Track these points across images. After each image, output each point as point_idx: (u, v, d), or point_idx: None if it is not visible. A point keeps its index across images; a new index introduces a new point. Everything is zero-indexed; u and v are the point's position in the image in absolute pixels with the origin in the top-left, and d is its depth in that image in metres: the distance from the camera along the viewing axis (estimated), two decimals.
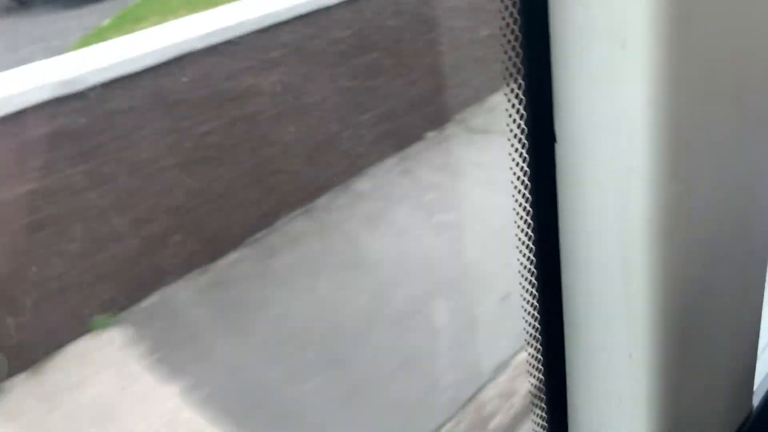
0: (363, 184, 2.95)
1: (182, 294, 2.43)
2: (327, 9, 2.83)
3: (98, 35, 4.71)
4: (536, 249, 0.60)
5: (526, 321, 0.63)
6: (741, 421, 0.82)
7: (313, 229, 2.72)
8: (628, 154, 0.50)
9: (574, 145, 0.54)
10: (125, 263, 2.37)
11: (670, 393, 0.62)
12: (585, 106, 0.52)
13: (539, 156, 0.55)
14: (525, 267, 0.60)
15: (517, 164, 0.55)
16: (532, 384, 0.67)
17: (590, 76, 0.50)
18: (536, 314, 0.63)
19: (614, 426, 0.65)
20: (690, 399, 0.67)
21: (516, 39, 0.51)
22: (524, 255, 0.60)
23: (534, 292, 0.62)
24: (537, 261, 0.60)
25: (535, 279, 0.61)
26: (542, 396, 0.68)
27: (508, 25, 0.50)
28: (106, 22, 5.26)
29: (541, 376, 0.67)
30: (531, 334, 0.64)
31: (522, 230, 0.58)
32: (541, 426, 0.70)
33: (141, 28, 2.75)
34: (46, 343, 2.23)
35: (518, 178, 0.56)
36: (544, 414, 0.69)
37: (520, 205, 0.57)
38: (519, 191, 0.57)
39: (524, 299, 0.62)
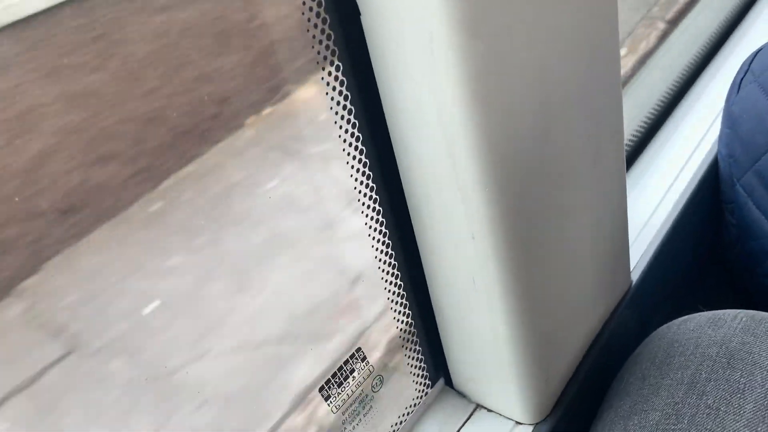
0: None
1: None
2: None
3: None
4: (366, 143, 0.56)
5: (371, 218, 0.60)
6: (622, 295, 0.82)
7: None
8: (429, 20, 0.46)
9: (379, 18, 0.49)
10: None
11: (524, 273, 0.60)
12: None
13: (347, 32, 0.51)
14: (361, 172, 0.57)
15: (321, 42, 0.51)
16: (393, 284, 0.65)
17: None
18: (379, 208, 0.60)
19: (474, 309, 0.63)
20: (553, 278, 0.65)
21: None
22: (355, 157, 0.56)
23: (373, 194, 0.59)
24: (371, 163, 0.57)
25: (373, 180, 0.58)
26: (403, 293, 0.66)
27: None
28: None
29: (397, 271, 0.64)
30: (378, 230, 0.61)
31: (344, 119, 0.55)
32: (408, 323, 0.68)
33: None
34: None
35: (326, 59, 0.52)
36: (407, 311, 0.67)
37: (340, 93, 0.53)
38: (332, 75, 0.53)
39: (364, 204, 0.59)
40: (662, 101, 1.16)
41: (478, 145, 0.51)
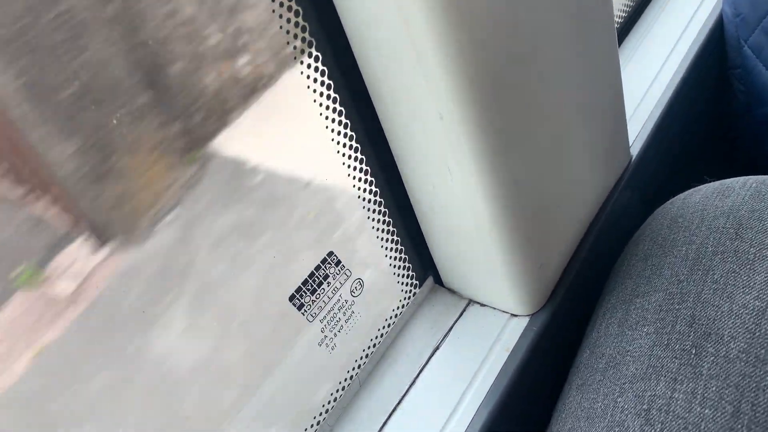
0: None
1: None
2: None
3: None
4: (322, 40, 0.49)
5: (325, 106, 0.54)
6: (621, 171, 0.76)
7: None
8: None
9: None
10: None
11: (504, 154, 0.54)
12: None
13: None
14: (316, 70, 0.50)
15: None
16: (361, 180, 0.59)
17: None
18: (334, 95, 0.53)
19: (452, 199, 0.57)
20: (540, 158, 0.59)
21: None
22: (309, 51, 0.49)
23: (325, 79, 0.52)
24: (317, 35, 0.50)
25: (323, 60, 0.51)
26: (376, 189, 0.60)
27: None
28: None
29: (365, 166, 0.58)
30: (335, 119, 0.55)
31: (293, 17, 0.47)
32: (385, 222, 0.63)
33: None
34: None
35: None
36: (383, 209, 0.62)
37: None
38: None
39: (316, 90, 0.52)
40: None
41: (434, 5, 0.44)
